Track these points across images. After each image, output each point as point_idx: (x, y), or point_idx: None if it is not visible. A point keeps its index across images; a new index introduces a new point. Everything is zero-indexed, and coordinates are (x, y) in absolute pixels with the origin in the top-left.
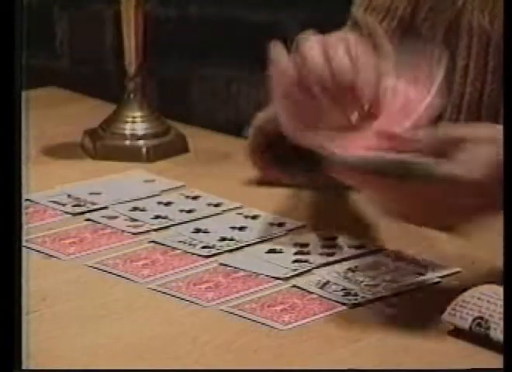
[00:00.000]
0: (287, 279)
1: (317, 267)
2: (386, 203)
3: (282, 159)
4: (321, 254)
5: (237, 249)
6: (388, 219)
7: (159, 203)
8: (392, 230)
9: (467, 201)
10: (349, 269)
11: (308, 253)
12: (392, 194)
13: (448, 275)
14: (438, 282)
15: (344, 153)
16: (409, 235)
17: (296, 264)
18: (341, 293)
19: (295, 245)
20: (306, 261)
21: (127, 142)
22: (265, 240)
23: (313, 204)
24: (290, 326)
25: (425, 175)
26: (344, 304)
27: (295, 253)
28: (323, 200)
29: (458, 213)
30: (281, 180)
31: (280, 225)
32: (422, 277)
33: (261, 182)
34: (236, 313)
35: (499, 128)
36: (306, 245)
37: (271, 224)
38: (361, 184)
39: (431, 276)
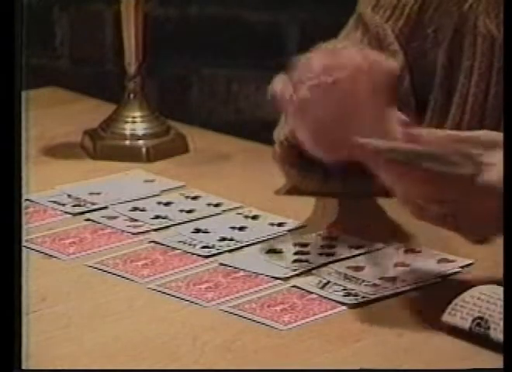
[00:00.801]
0: (287, 279)
1: (317, 267)
2: (424, 203)
3: (312, 166)
4: (321, 254)
5: (237, 249)
6: (421, 221)
7: (159, 203)
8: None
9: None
10: (349, 268)
11: (308, 253)
12: (431, 193)
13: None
14: (438, 282)
15: (390, 144)
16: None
17: (296, 264)
18: (341, 293)
19: (295, 245)
20: (305, 261)
21: (127, 142)
22: (265, 240)
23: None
24: (290, 326)
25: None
26: (344, 304)
27: (295, 253)
28: (351, 206)
29: (493, 220)
30: (312, 189)
31: (280, 225)
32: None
33: (292, 191)
34: (236, 313)
35: None
36: (306, 245)
37: (272, 224)
38: (403, 178)
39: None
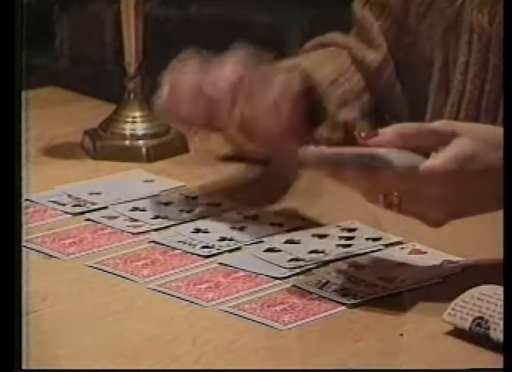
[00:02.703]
0: (287, 279)
1: (317, 267)
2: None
3: None
4: (318, 252)
5: (237, 249)
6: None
7: (159, 203)
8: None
9: (444, 194)
10: (349, 268)
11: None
12: (369, 186)
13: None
14: (438, 282)
15: (318, 150)
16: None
17: (296, 264)
18: (341, 293)
19: (295, 244)
20: (303, 260)
21: (127, 142)
22: (265, 240)
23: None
24: (290, 326)
25: (396, 167)
26: (343, 304)
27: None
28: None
29: (437, 205)
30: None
31: (280, 225)
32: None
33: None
34: (236, 313)
35: (495, 128)
36: (324, 236)
37: (272, 224)
38: (338, 178)
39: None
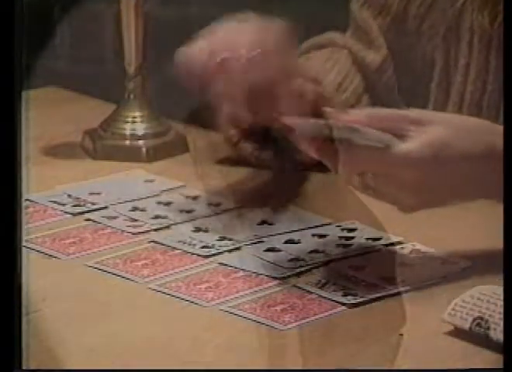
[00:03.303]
0: (287, 279)
1: (317, 267)
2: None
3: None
4: (318, 252)
5: (237, 249)
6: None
7: (159, 203)
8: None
9: (418, 179)
10: (350, 268)
11: (325, 244)
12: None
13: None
14: (438, 282)
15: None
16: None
17: (296, 264)
18: (341, 293)
19: (295, 244)
20: (303, 260)
21: (127, 142)
22: (265, 240)
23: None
24: (290, 326)
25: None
26: (344, 304)
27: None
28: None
29: (411, 190)
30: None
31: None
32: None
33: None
34: (236, 313)
35: (469, 118)
36: (324, 236)
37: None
38: (320, 153)
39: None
